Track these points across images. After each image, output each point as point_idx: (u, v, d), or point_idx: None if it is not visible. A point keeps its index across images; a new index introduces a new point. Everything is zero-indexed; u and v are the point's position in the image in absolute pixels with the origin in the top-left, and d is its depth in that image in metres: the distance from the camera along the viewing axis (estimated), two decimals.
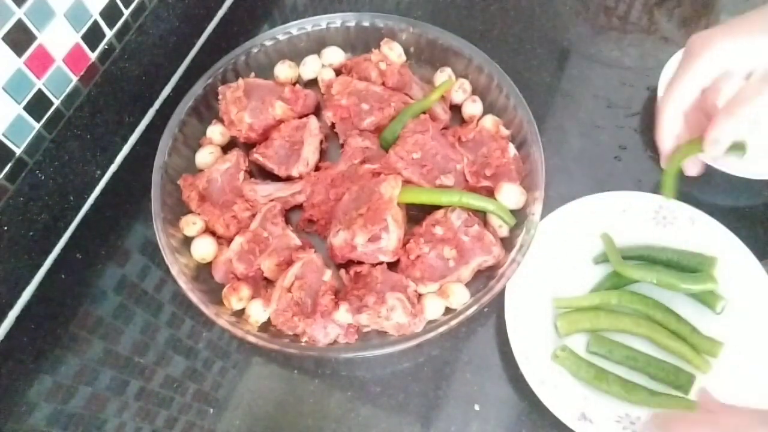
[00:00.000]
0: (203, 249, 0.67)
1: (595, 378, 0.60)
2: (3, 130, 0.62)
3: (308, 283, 0.62)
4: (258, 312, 0.62)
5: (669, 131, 0.60)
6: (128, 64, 0.75)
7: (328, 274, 0.64)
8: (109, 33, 0.72)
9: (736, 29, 0.56)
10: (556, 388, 0.59)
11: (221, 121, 0.75)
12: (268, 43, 0.78)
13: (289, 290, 0.61)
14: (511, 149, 0.70)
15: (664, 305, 0.64)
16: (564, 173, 0.73)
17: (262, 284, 0.66)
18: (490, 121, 0.73)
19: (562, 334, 0.62)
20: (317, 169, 0.73)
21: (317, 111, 0.77)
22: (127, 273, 0.70)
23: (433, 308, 0.62)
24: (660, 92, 0.74)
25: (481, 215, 0.68)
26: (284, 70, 0.77)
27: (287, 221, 0.70)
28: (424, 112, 0.73)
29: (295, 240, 0.67)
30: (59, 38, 0.65)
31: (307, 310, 0.61)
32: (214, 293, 0.64)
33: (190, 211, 0.70)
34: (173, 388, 0.63)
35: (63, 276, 0.70)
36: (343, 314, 0.60)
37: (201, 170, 0.73)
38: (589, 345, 0.62)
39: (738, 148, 0.58)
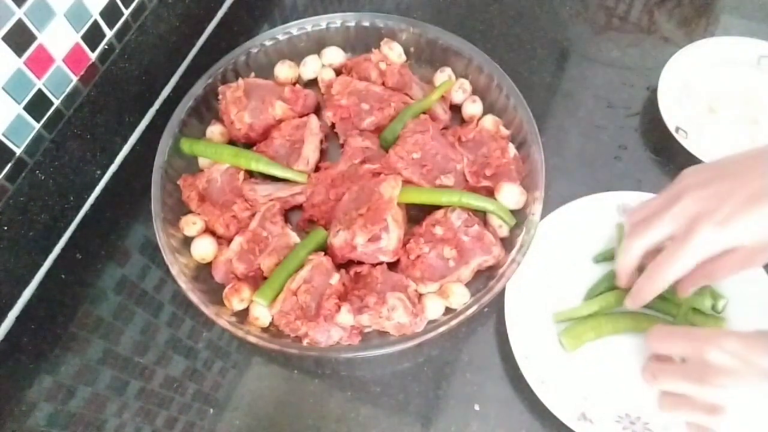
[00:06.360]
0: (203, 249, 0.67)
1: None
2: (3, 130, 0.62)
3: (315, 286, 0.62)
4: (263, 313, 0.62)
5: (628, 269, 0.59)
6: (128, 64, 0.75)
7: (335, 278, 0.63)
8: (109, 33, 0.72)
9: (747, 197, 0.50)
10: (556, 388, 0.59)
11: (221, 121, 0.75)
12: (268, 43, 0.78)
13: (294, 293, 0.61)
14: (511, 149, 0.70)
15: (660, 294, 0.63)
16: (564, 173, 0.72)
17: (262, 284, 0.66)
18: (490, 121, 0.73)
19: (570, 350, 0.61)
20: (317, 169, 0.73)
21: (317, 111, 0.77)
22: (127, 273, 0.70)
23: (434, 308, 0.62)
24: (660, 92, 0.74)
25: (481, 215, 0.68)
26: (284, 70, 0.78)
27: (287, 221, 0.70)
28: (424, 112, 0.73)
29: (295, 239, 0.67)
30: (59, 38, 0.65)
31: (311, 313, 0.61)
32: (214, 293, 0.64)
33: (190, 211, 0.70)
34: (173, 388, 0.63)
35: (63, 276, 0.70)
36: (345, 315, 0.60)
37: (201, 170, 0.73)
38: None
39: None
